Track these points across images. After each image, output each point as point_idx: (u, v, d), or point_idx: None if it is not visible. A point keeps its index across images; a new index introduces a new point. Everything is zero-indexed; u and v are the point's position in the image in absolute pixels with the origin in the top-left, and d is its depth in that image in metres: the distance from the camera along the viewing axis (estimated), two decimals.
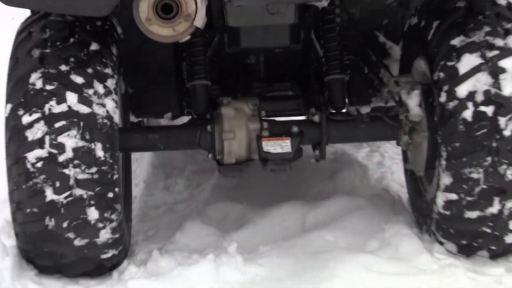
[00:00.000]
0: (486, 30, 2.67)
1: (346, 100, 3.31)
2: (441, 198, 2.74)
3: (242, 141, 2.94)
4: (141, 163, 4.13)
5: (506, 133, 2.58)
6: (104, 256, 2.77)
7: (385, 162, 4.07)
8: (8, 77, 2.73)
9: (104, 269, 2.85)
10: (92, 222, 2.67)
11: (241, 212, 3.38)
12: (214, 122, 2.98)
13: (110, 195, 2.67)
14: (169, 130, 3.28)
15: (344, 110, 3.20)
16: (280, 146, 2.86)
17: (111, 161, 2.66)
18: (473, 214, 2.70)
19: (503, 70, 2.60)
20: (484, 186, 2.63)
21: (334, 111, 3.13)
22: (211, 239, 3.13)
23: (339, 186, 3.69)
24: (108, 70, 2.72)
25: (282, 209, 3.28)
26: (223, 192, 3.73)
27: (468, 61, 2.63)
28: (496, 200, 2.65)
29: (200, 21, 2.46)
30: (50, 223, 2.66)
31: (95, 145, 2.62)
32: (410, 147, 3.05)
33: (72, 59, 2.66)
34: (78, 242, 2.68)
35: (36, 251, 2.79)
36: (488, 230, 2.73)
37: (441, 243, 2.89)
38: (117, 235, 2.75)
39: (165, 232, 3.32)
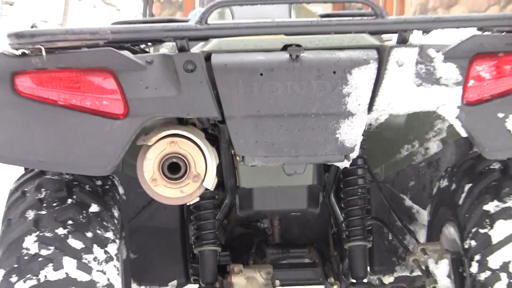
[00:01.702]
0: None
1: (368, 269, 3.04)
2: None
3: None
4: None
5: None
6: None
7: None
8: (0, 241, 2.51)
9: None
10: None
11: None
12: None
13: None
14: None
15: (365, 280, 2.92)
16: None
17: None
18: None
19: None
20: None
21: (354, 281, 2.85)
22: None
23: None
24: (109, 234, 2.47)
25: None
26: None
27: (502, 229, 2.41)
28: None
29: (210, 182, 2.30)
30: None
31: None
32: None
33: (70, 222, 2.41)
34: None
35: None
36: None
37: None
38: None
39: None
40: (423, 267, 2.72)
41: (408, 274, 3.24)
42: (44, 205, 2.45)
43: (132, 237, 3.00)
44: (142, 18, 4.84)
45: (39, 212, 2.42)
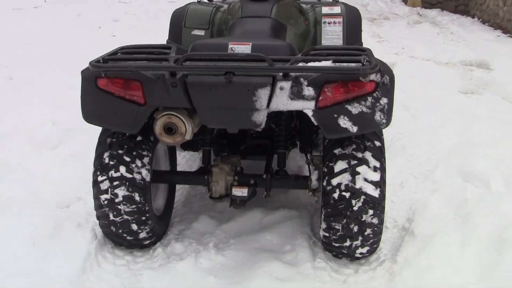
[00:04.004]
0: (353, 146, 2.93)
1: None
2: (321, 233, 3.10)
3: (222, 186, 3.30)
4: None
5: (355, 208, 2.91)
6: (144, 242, 3.28)
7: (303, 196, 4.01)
8: (95, 151, 3.11)
9: (146, 247, 3.34)
10: (134, 229, 3.15)
11: (231, 211, 3.71)
12: (209, 174, 3.33)
13: (143, 218, 3.12)
14: (188, 174, 3.65)
15: (285, 168, 3.40)
16: (241, 191, 3.21)
17: (143, 201, 3.08)
18: (337, 244, 3.07)
19: (358, 173, 2.89)
20: (342, 233, 2.98)
21: (278, 169, 3.38)
22: (212, 227, 3.58)
23: (285, 203, 3.94)
24: (145, 152, 3.09)
25: (253, 211, 3.73)
26: None
27: (339, 165, 2.93)
28: (348, 240, 3.00)
29: (189, 136, 2.85)
30: (114, 229, 3.16)
31: (134, 194, 3.05)
32: (314, 195, 3.32)
33: (125, 146, 3.06)
34: (129, 238, 3.21)
35: (110, 238, 3.33)
36: (345, 251, 3.12)
37: (324, 250, 3.27)
38: (150, 234, 3.22)
39: (192, 216, 3.74)
40: (310, 168, 3.26)
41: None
42: (114, 136, 3.08)
43: None
44: None
45: (112, 139, 3.07)
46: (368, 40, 9.19)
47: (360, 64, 2.59)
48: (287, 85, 2.65)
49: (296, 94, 2.66)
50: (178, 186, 3.96)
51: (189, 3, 4.26)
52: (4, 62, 7.42)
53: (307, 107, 2.71)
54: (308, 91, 2.67)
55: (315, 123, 2.74)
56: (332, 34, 4.01)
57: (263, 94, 2.63)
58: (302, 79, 2.66)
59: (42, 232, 3.29)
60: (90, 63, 2.70)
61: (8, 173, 4.19)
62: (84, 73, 2.84)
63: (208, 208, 3.85)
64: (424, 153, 4.65)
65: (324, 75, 2.66)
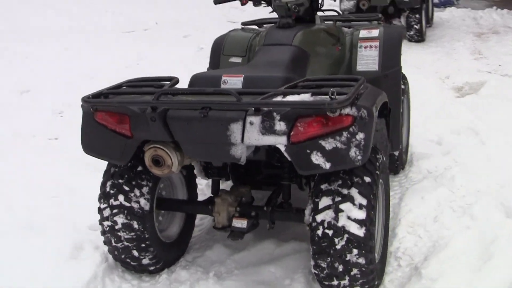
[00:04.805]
0: (339, 182, 2.80)
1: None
2: (312, 270, 2.97)
3: (224, 217, 3.25)
4: None
5: (338, 247, 2.77)
6: (149, 268, 3.32)
7: None
8: (102, 180, 3.19)
9: (152, 272, 3.38)
10: (136, 256, 3.21)
11: (246, 240, 3.61)
12: (213, 204, 3.31)
13: (143, 245, 3.16)
14: (194, 204, 3.68)
15: (289, 200, 3.29)
16: (241, 223, 3.17)
17: (142, 229, 3.12)
18: (326, 282, 2.94)
19: (341, 210, 2.76)
20: (328, 271, 2.85)
21: (282, 201, 3.29)
22: (224, 256, 3.54)
23: (299, 234, 3.73)
24: (144, 182, 3.14)
25: (267, 242, 3.64)
26: None
27: (324, 201, 2.81)
28: (335, 279, 2.88)
29: (175, 168, 2.86)
30: (117, 254, 3.26)
31: (132, 222, 3.12)
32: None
33: (126, 176, 3.12)
34: (133, 263, 3.28)
35: (119, 263, 3.40)
36: (334, 283, 2.93)
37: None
38: (154, 260, 3.25)
39: (211, 243, 3.71)
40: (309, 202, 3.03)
41: None
42: (117, 166, 3.16)
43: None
44: None
45: (115, 169, 3.15)
46: (465, 57, 8.81)
47: (328, 98, 2.52)
48: (256, 120, 2.62)
49: (268, 128, 2.62)
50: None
51: (231, 30, 4.28)
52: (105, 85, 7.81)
53: (279, 142, 2.65)
54: (280, 125, 2.62)
55: (289, 159, 2.67)
56: (367, 59, 3.91)
57: (236, 128, 2.62)
58: (274, 114, 2.61)
59: (64, 254, 3.46)
60: (82, 98, 2.84)
61: (55, 192, 4.42)
62: (84, 107, 2.97)
63: (223, 238, 3.71)
64: (475, 185, 4.27)
65: (297, 109, 2.59)
